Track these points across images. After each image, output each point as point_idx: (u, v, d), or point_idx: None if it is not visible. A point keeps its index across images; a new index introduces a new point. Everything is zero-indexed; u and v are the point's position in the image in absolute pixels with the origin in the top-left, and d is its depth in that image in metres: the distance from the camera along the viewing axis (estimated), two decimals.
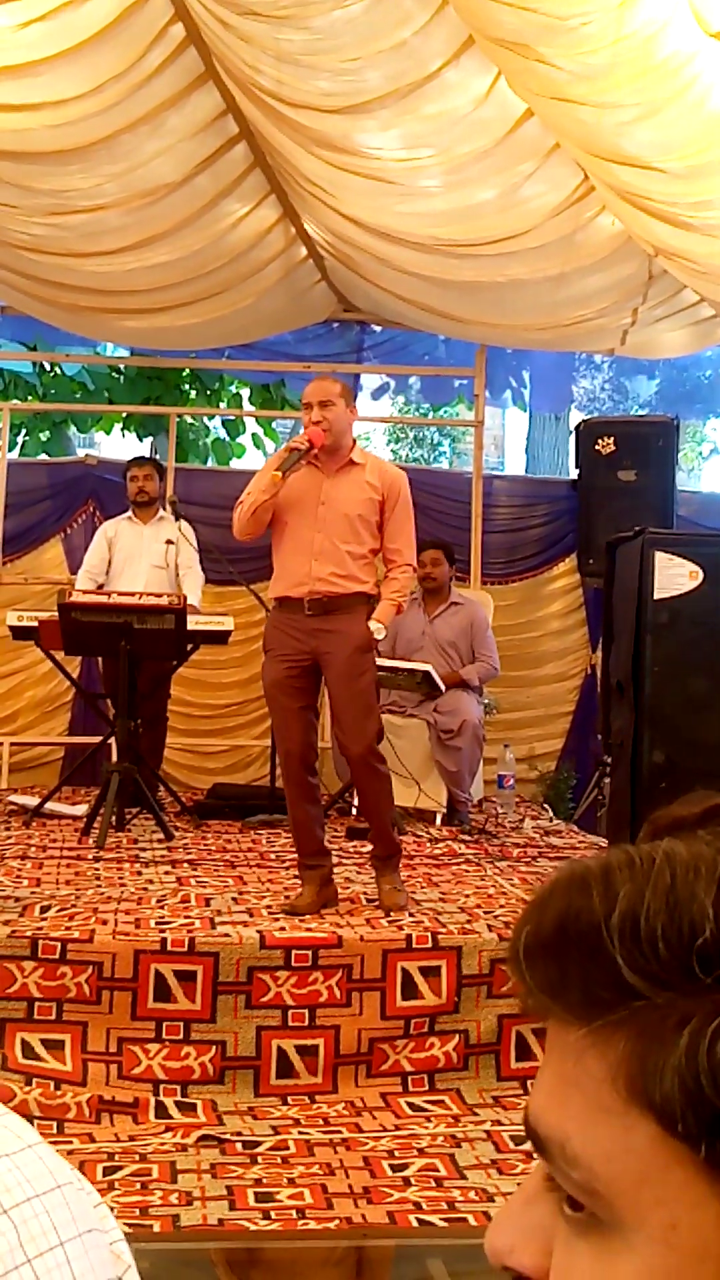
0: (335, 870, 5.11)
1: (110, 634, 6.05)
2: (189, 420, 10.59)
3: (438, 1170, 3.77)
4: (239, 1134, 3.97)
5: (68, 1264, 0.73)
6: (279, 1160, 3.80)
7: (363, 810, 5.11)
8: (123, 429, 11.03)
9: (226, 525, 7.98)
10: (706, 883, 0.54)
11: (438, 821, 6.91)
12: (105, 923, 4.49)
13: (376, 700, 5.07)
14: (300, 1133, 4.01)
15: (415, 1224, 3.45)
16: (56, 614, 6.16)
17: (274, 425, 11.55)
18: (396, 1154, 3.87)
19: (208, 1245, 3.38)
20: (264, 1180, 3.66)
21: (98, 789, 6.41)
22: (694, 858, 0.56)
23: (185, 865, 5.67)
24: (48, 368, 10.38)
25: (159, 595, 6.27)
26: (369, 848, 5.93)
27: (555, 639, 8.57)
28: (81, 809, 6.72)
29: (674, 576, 4.83)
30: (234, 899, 5.02)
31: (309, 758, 5.00)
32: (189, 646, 6.47)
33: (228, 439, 11.03)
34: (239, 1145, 3.89)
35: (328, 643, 4.84)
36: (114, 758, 6.32)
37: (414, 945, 4.48)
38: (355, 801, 6.80)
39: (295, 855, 5.70)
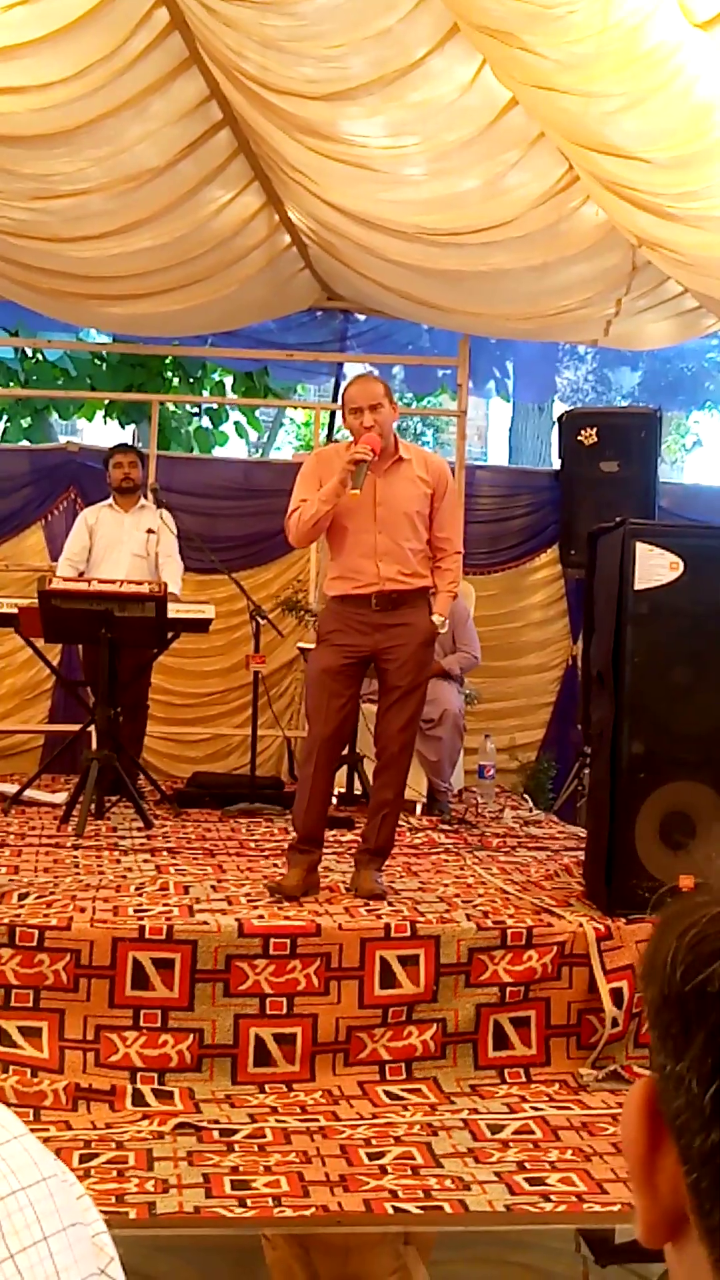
0: (320, 861, 5.09)
1: (91, 621, 6.03)
2: (171, 408, 10.55)
3: (414, 1159, 3.78)
4: (216, 1122, 3.97)
5: (51, 1258, 0.72)
6: (255, 1148, 3.80)
7: (376, 797, 5.09)
8: (105, 416, 10.99)
9: (209, 513, 8.09)
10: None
11: (418, 811, 6.92)
12: (83, 910, 4.48)
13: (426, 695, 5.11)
14: (277, 1121, 4.01)
15: (391, 1212, 3.46)
16: (37, 601, 6.14)
17: (257, 413, 11.53)
18: (373, 1142, 3.88)
19: (198, 1232, 3.38)
20: (240, 1168, 3.66)
21: (77, 777, 6.40)
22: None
23: (164, 853, 5.67)
24: (29, 354, 10.32)
25: (139, 583, 6.25)
26: (349, 837, 5.95)
27: (537, 629, 8.57)
28: (61, 797, 6.71)
29: (655, 567, 4.83)
30: (213, 887, 5.02)
31: (339, 746, 5.06)
32: (169, 634, 6.45)
33: (210, 427, 11.00)
34: (216, 1133, 3.89)
35: (393, 636, 4.89)
36: (94, 745, 6.30)
37: (392, 934, 4.48)
38: (334, 791, 6.81)
39: (275, 843, 5.71)
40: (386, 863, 5.19)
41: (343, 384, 8.98)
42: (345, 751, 6.35)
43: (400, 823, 6.52)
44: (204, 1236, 3.42)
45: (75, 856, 5.50)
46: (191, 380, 10.63)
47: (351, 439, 4.89)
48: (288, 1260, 3.56)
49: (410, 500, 4.94)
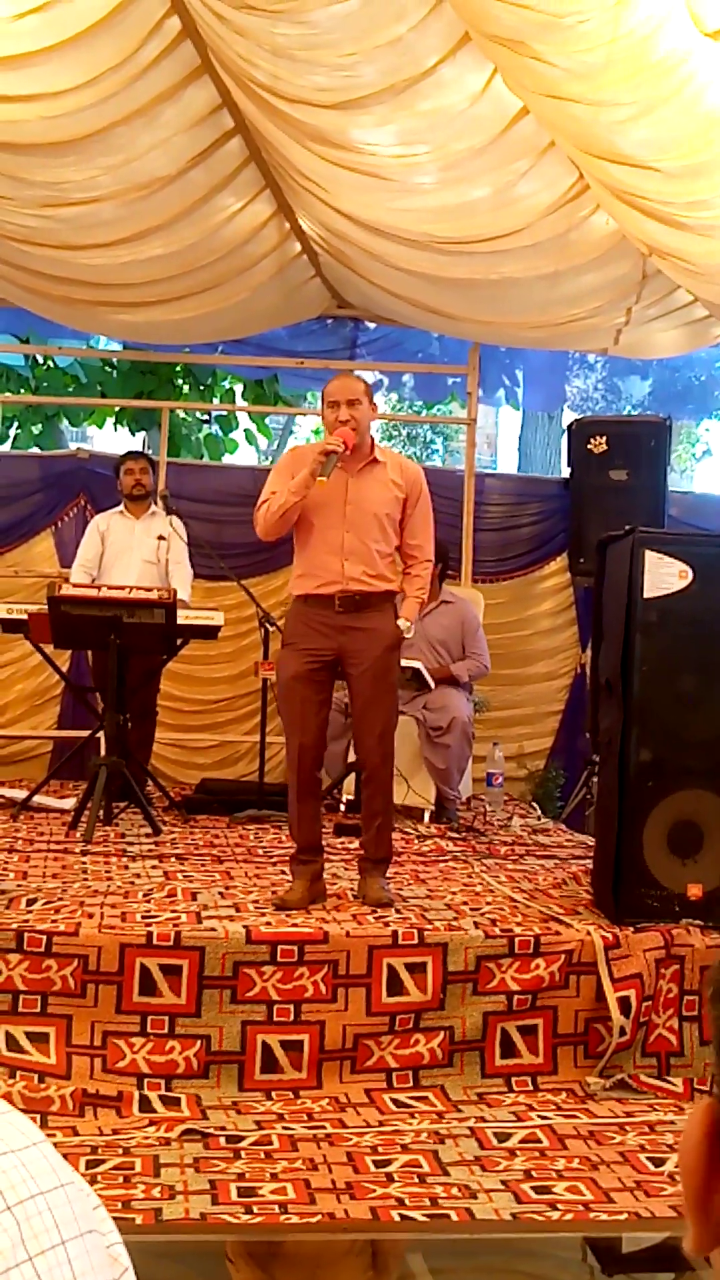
0: (324, 867, 5.10)
1: (99, 628, 6.04)
2: (182, 415, 10.57)
3: (421, 1166, 3.77)
4: (222, 1128, 3.97)
5: (69, 1263, 0.72)
6: (262, 1155, 3.80)
7: (367, 808, 5.08)
8: (115, 423, 11.01)
9: (218, 520, 8.09)
10: None
11: (425, 819, 6.91)
12: (91, 916, 4.49)
13: (398, 699, 5.09)
14: (284, 1128, 4.00)
15: (397, 1219, 3.45)
16: (46, 607, 6.15)
17: (267, 421, 11.55)
18: (380, 1150, 3.87)
19: (194, 1239, 3.38)
20: (247, 1175, 3.66)
21: (85, 783, 6.40)
22: None
23: (172, 860, 5.67)
24: (40, 360, 10.35)
25: (149, 589, 6.26)
26: (356, 845, 5.94)
27: (545, 638, 8.57)
28: (69, 803, 6.71)
29: (664, 576, 4.83)
30: (220, 894, 5.02)
31: (320, 752, 5.03)
32: (178, 641, 6.46)
33: (220, 434, 11.02)
34: (222, 1140, 3.89)
35: (357, 640, 4.86)
36: (102, 752, 6.31)
37: (400, 941, 4.47)
38: (343, 798, 6.82)
39: (283, 851, 5.70)
40: (394, 870, 5.20)
41: None
42: (352, 759, 6.34)
43: (409, 830, 6.55)
44: (210, 1243, 3.41)
45: (83, 862, 5.50)
46: (202, 387, 10.65)
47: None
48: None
49: (381, 502, 4.92)
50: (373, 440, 5.06)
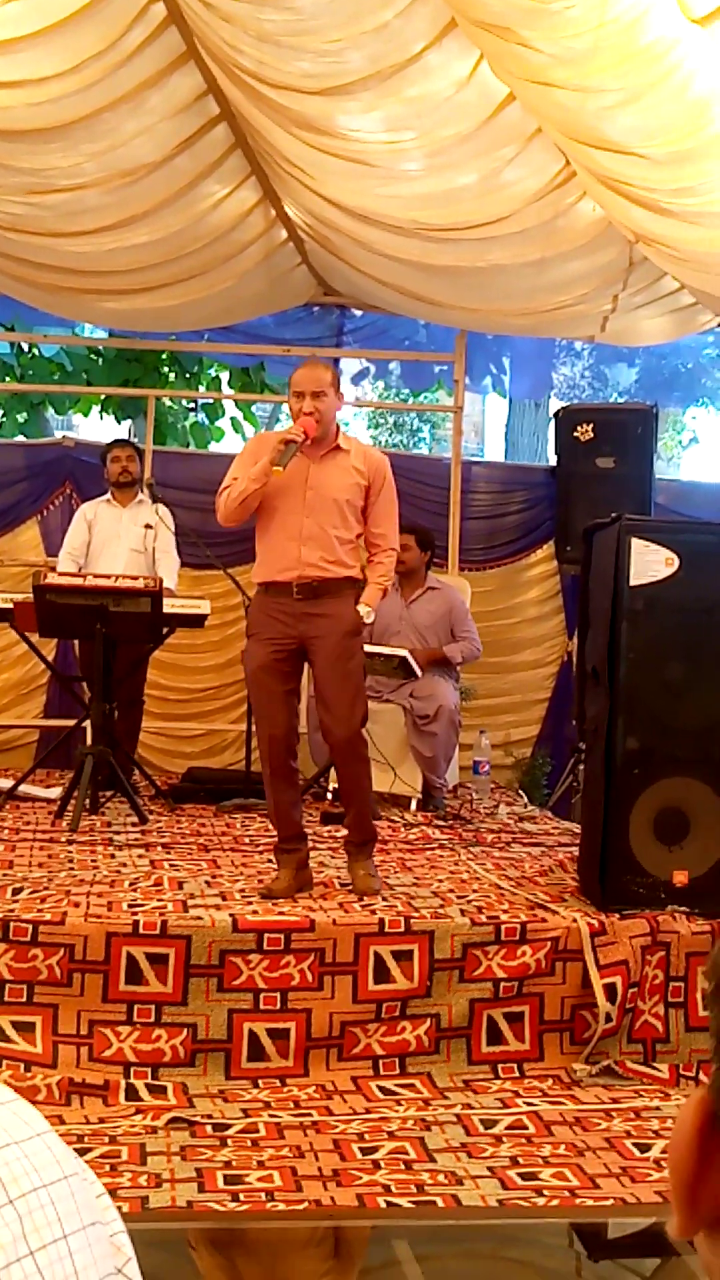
0: (309, 854, 5.11)
1: (86, 616, 6.02)
2: (168, 403, 10.55)
3: (407, 1153, 3.78)
4: (209, 1116, 3.98)
5: (70, 1256, 0.72)
6: (249, 1143, 3.80)
7: (343, 795, 5.11)
8: (101, 411, 10.99)
9: (204, 509, 8.02)
10: None
11: (412, 807, 6.92)
12: (77, 905, 4.48)
13: (364, 685, 5.08)
14: (270, 1116, 4.01)
15: (384, 1206, 3.46)
16: (31, 596, 6.13)
17: (253, 409, 11.53)
18: (366, 1137, 3.88)
19: (177, 1226, 3.38)
20: (233, 1163, 3.66)
21: (72, 772, 6.39)
22: None
23: (159, 848, 5.67)
24: (25, 348, 10.32)
25: (134, 578, 6.25)
26: (343, 832, 5.95)
27: (532, 625, 8.57)
28: (55, 792, 6.70)
29: (650, 564, 4.84)
30: (207, 882, 5.02)
31: (291, 741, 5.00)
32: (165, 630, 6.45)
33: (206, 422, 11.00)
34: (209, 1128, 3.89)
35: (316, 627, 4.84)
36: (89, 741, 6.30)
37: (386, 929, 4.48)
38: (330, 786, 6.81)
39: (270, 839, 5.70)
40: (381, 858, 5.20)
41: (340, 379, 9.01)
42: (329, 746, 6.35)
43: (395, 818, 6.56)
44: (197, 1231, 3.42)
45: (69, 851, 5.50)
46: (188, 375, 10.63)
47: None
48: (213, 1269, 3.54)
49: (342, 489, 4.91)
50: (338, 428, 5.05)
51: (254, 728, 7.10)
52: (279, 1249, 3.50)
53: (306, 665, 4.99)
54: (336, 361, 8.97)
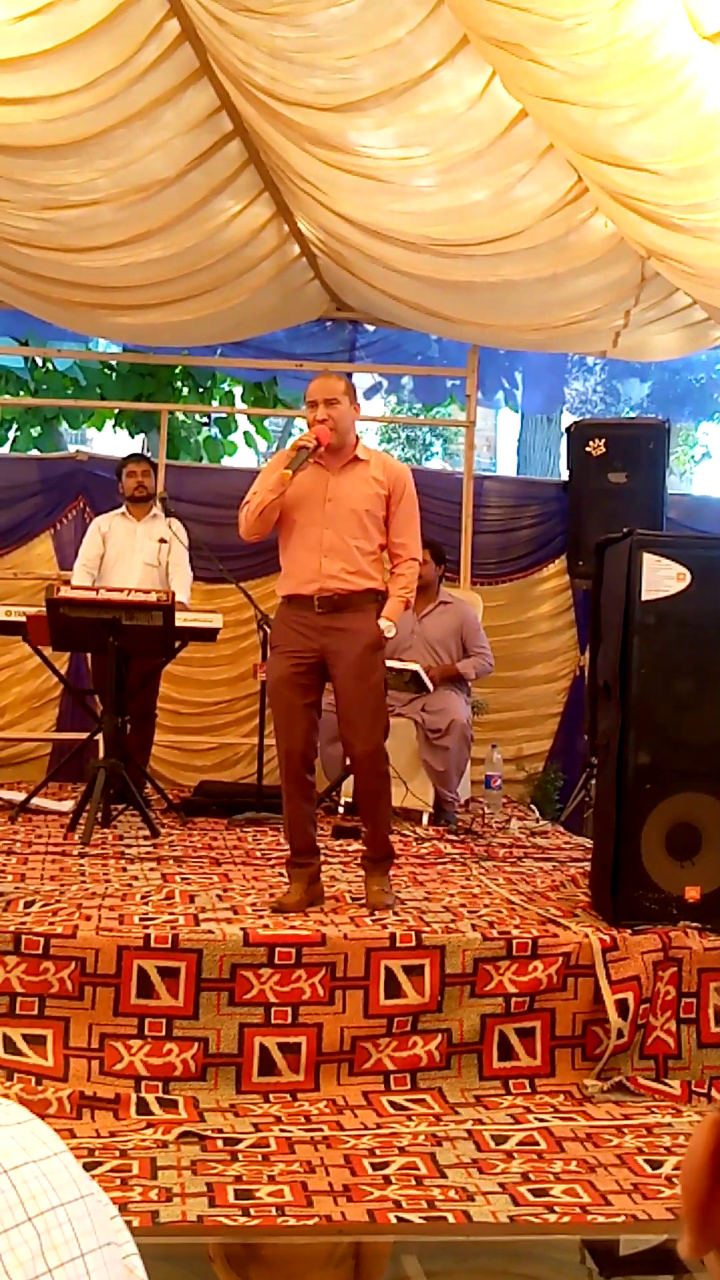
0: (321, 869, 5.10)
1: (98, 630, 6.04)
2: (181, 417, 10.58)
3: (418, 1169, 3.77)
4: (220, 1131, 3.97)
5: (87, 1275, 0.72)
6: (259, 1158, 3.80)
7: (362, 811, 5.09)
8: (114, 425, 11.01)
9: (217, 523, 8.08)
10: None
11: (424, 821, 6.91)
12: (89, 918, 4.49)
13: (385, 700, 5.08)
14: (281, 1130, 4.00)
15: (394, 1222, 3.45)
16: (44, 609, 6.15)
17: (266, 423, 11.54)
18: (377, 1152, 3.87)
19: (188, 1241, 3.38)
20: (244, 1177, 3.66)
21: (84, 785, 6.40)
22: None
23: (170, 862, 5.67)
24: (39, 363, 10.35)
25: (147, 592, 6.26)
26: (355, 847, 5.94)
27: (544, 640, 8.57)
28: (67, 805, 6.71)
29: (662, 578, 4.83)
30: (219, 896, 5.02)
31: (309, 756, 5.01)
32: (177, 643, 6.46)
33: (220, 437, 11.02)
34: (220, 1142, 3.89)
35: (338, 640, 4.85)
36: (101, 754, 6.31)
37: (398, 944, 4.47)
38: (341, 800, 6.81)
39: (281, 853, 5.70)
40: (392, 871, 5.19)
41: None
42: (350, 761, 6.34)
43: (406, 832, 6.55)
44: (207, 1246, 3.41)
45: (81, 865, 5.50)
46: (201, 390, 10.65)
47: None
48: None
49: (361, 499, 4.92)
50: (357, 439, 5.07)
51: (273, 741, 7.14)
52: (298, 1265, 3.49)
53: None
54: (349, 376, 8.99)
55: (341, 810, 6.77)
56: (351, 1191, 3.60)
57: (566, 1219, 3.53)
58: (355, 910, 4.85)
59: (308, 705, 4.94)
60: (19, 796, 6.85)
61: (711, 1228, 0.67)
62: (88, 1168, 3.61)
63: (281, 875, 5.32)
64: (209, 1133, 3.94)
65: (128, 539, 7.12)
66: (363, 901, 4.93)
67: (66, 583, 6.77)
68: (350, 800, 6.91)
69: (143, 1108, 4.08)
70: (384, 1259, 3.58)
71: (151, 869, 5.50)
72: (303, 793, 4.99)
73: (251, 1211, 3.46)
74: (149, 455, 8.13)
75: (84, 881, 5.16)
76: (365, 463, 4.98)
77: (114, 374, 10.36)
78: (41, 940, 4.25)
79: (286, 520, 4.93)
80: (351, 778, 6.83)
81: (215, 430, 11.06)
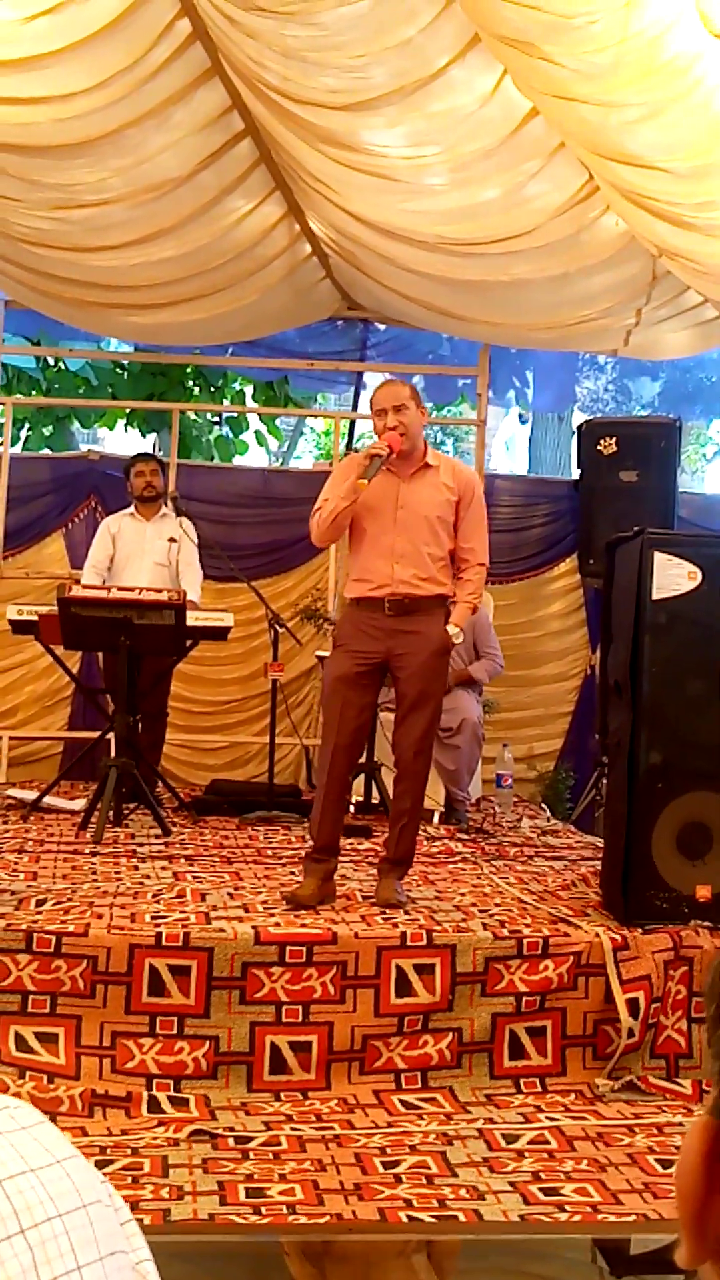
0: (335, 869, 5.09)
1: (110, 629, 6.05)
2: (192, 416, 10.59)
3: (429, 1168, 3.77)
4: (231, 1129, 3.97)
5: None
6: (271, 1156, 3.80)
7: (395, 807, 5.09)
8: (126, 424, 11.03)
9: (228, 522, 8.11)
10: None
11: (435, 820, 6.91)
12: (100, 917, 4.49)
13: (441, 706, 5.11)
14: (292, 1129, 4.01)
15: (405, 1221, 3.46)
16: (56, 609, 6.16)
17: (277, 422, 11.56)
18: (388, 1151, 3.87)
19: (199, 1239, 3.39)
20: (255, 1176, 3.66)
21: (96, 784, 6.41)
22: None
23: (182, 860, 5.68)
24: (51, 363, 10.38)
25: (158, 591, 6.27)
26: (365, 846, 5.95)
27: (555, 639, 8.57)
28: (79, 804, 6.72)
29: (673, 577, 4.83)
30: (229, 894, 5.02)
31: (355, 755, 5.08)
32: (188, 642, 6.47)
33: (231, 435, 11.03)
34: (231, 1140, 3.89)
35: (405, 643, 4.88)
36: (113, 753, 6.32)
37: (408, 942, 4.48)
38: (351, 799, 6.81)
39: (292, 851, 5.71)
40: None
41: (363, 393, 9.03)
42: (362, 759, 6.34)
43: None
44: (218, 1243, 3.42)
45: (93, 863, 5.51)
46: (212, 389, 10.67)
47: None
48: (303, 1276, 3.55)
49: (432, 505, 4.94)
50: (426, 445, 5.08)
51: (283, 740, 7.15)
52: (370, 1257, 3.50)
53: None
54: (360, 375, 9.00)
55: (351, 809, 6.76)
56: (362, 1190, 3.60)
57: (577, 1218, 3.53)
58: (366, 909, 4.85)
59: (364, 705, 4.97)
60: (31, 795, 6.87)
61: (708, 1233, 0.67)
62: (99, 1166, 3.61)
63: (293, 874, 5.33)
64: (220, 1131, 3.95)
65: (137, 539, 7.12)
66: (374, 900, 4.93)
67: (78, 582, 6.78)
68: (360, 799, 6.92)
69: (154, 1106, 4.09)
70: (456, 1255, 3.59)
71: (163, 867, 5.51)
72: (339, 791, 5.02)
73: (263, 1210, 3.46)
74: (158, 454, 8.14)
75: (95, 880, 5.17)
76: (435, 469, 5.00)
77: (125, 373, 10.38)
78: (53, 939, 4.25)
79: (357, 527, 4.96)
80: (362, 778, 6.87)
81: (226, 429, 11.08)
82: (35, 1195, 0.70)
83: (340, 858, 5.42)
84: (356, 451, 7.38)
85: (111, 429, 11.26)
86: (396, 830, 5.03)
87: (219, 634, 6.59)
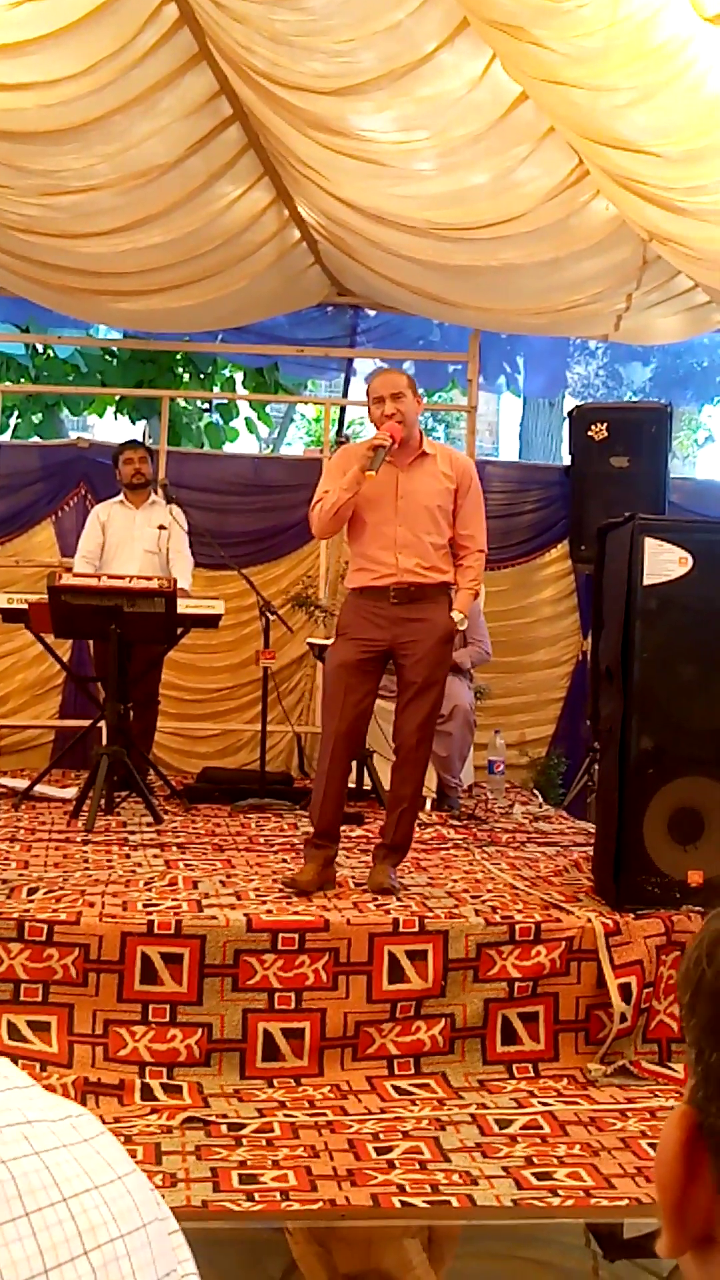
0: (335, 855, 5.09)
1: (100, 617, 6.04)
2: (182, 403, 10.56)
3: (422, 1153, 3.78)
4: (224, 1116, 3.98)
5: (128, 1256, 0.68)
6: (264, 1143, 3.81)
7: (394, 793, 5.09)
8: (115, 412, 11.00)
9: (219, 509, 8.09)
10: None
11: (427, 806, 6.90)
12: (92, 905, 4.49)
13: (444, 694, 5.11)
14: (285, 1115, 4.01)
15: (399, 1206, 3.46)
16: (46, 597, 6.15)
17: (267, 409, 11.53)
18: (381, 1137, 3.88)
19: (196, 1226, 3.38)
20: (248, 1162, 3.67)
21: (87, 772, 6.40)
22: None
23: (174, 848, 5.67)
24: (40, 350, 10.34)
25: (149, 579, 6.25)
26: (357, 833, 5.95)
27: (547, 625, 8.57)
28: (71, 792, 6.72)
29: (664, 563, 4.83)
30: (221, 882, 5.02)
31: (354, 741, 5.08)
32: (179, 630, 6.46)
33: (221, 422, 11.01)
34: (224, 1127, 3.90)
35: (411, 631, 4.89)
36: (104, 741, 6.31)
37: (401, 929, 4.48)
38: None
39: (284, 839, 5.72)
40: None
41: (354, 379, 9.01)
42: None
43: None
44: (212, 1230, 3.42)
45: (85, 851, 5.51)
46: (202, 376, 10.64)
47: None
48: (308, 1255, 3.57)
49: (432, 494, 4.95)
50: (421, 433, 5.08)
51: (274, 727, 7.14)
52: (373, 1237, 3.51)
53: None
54: (350, 362, 8.98)
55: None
56: (355, 1176, 3.61)
57: (570, 1202, 3.54)
58: (358, 895, 4.86)
59: (366, 692, 4.97)
60: (22, 784, 6.86)
61: (686, 1224, 0.66)
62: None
63: (285, 861, 5.33)
64: (213, 1118, 3.95)
65: (127, 526, 7.11)
66: (365, 886, 4.93)
67: (68, 570, 6.77)
68: (352, 786, 6.92)
69: (147, 1093, 4.09)
70: (455, 1239, 3.60)
71: (155, 855, 5.51)
72: (340, 777, 5.03)
73: (256, 1196, 3.47)
74: (145, 441, 8.12)
75: (87, 868, 5.17)
76: (432, 457, 5.01)
77: (115, 360, 10.34)
78: (45, 927, 4.25)
79: (357, 517, 4.97)
80: (358, 764, 6.87)
81: (216, 416, 11.05)
82: (100, 1215, 0.67)
83: None
84: (347, 439, 7.38)
85: (101, 416, 11.24)
86: (395, 816, 5.03)
87: (210, 622, 6.58)
